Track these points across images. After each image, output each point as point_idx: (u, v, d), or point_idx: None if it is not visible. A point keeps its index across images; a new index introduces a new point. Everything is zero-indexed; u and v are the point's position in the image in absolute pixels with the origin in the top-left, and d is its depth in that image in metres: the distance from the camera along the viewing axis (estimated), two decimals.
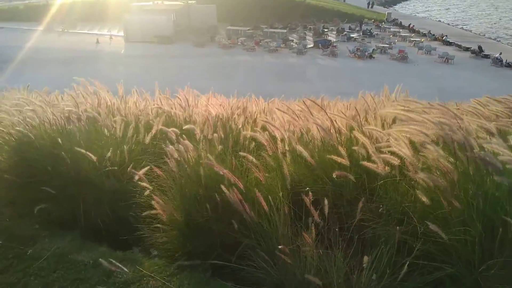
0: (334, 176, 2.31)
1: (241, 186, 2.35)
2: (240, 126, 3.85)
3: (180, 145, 2.77)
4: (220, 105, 4.75)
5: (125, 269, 2.49)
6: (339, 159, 2.48)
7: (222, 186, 2.35)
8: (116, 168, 3.32)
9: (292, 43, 34.71)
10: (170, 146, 2.77)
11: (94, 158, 3.10)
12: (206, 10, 43.47)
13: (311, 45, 34.79)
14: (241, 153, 2.69)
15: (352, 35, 38.34)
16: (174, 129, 3.10)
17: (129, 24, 36.81)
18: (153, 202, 2.66)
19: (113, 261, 2.41)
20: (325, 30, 40.74)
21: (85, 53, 31.73)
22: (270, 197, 2.42)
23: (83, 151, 3.06)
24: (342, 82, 23.19)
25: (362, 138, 2.46)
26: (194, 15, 42.71)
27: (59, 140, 3.45)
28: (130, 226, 3.10)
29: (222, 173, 2.30)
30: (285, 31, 39.72)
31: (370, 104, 3.67)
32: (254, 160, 2.66)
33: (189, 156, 2.79)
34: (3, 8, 53.22)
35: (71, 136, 3.61)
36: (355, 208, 2.32)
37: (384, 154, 2.27)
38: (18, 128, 3.70)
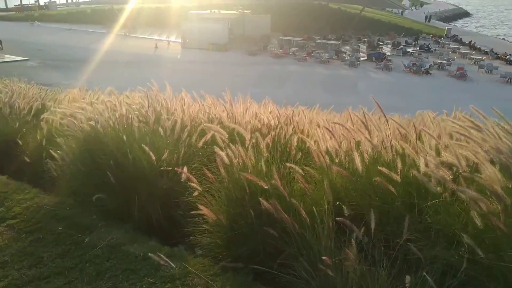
0: (374, 180, 2.29)
1: (286, 196, 2.40)
2: (288, 135, 3.89)
3: (228, 151, 2.87)
4: (270, 113, 4.83)
5: (172, 264, 2.62)
6: (389, 173, 2.46)
7: (261, 199, 2.43)
8: (170, 168, 3.49)
9: (344, 55, 34.31)
10: (220, 151, 2.87)
11: (153, 157, 3.29)
12: (261, 20, 44.20)
13: (364, 58, 34.19)
14: (288, 164, 2.74)
15: (408, 50, 37.22)
16: (223, 134, 3.21)
17: (186, 31, 38.26)
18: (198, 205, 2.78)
19: (162, 256, 2.55)
20: (380, 43, 39.87)
21: (144, 57, 33.35)
22: (314, 208, 2.45)
23: (147, 149, 3.26)
24: (395, 97, 22.51)
25: (412, 153, 2.43)
26: (249, 24, 43.54)
27: (124, 137, 3.69)
28: (178, 223, 3.25)
29: (261, 185, 2.36)
30: (338, 42, 39.36)
31: (426, 121, 3.59)
32: (300, 170, 2.71)
33: (236, 161, 2.88)
34: (72, 11, 57.47)
35: (133, 135, 3.85)
36: (402, 227, 2.29)
37: (437, 170, 2.22)
38: (90, 122, 3.98)
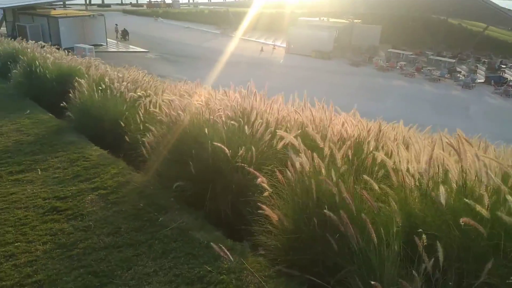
0: (461, 222, 2.06)
1: (353, 209, 2.28)
2: (369, 150, 3.71)
3: (303, 156, 2.84)
4: (357, 125, 4.66)
5: (231, 258, 2.68)
6: (478, 207, 2.20)
7: (325, 211, 2.34)
8: (245, 165, 3.57)
9: (459, 75, 31.47)
10: (293, 155, 2.86)
11: (228, 151, 3.41)
12: (370, 30, 42.80)
13: (482, 80, 30.95)
14: (365, 176, 2.61)
15: None
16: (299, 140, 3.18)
17: (292, 36, 38.80)
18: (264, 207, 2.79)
19: (223, 247, 2.62)
20: (503, 66, 35.70)
21: (249, 58, 34.68)
22: (382, 229, 2.30)
23: (219, 145, 3.39)
24: (511, 128, 20.00)
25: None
26: (357, 34, 42.50)
27: (206, 130, 3.89)
28: (245, 220, 3.31)
29: (335, 192, 2.27)
30: (453, 61, 36.24)
31: None
32: (376, 187, 2.56)
33: (308, 168, 2.83)
34: (191, 11, 62.27)
35: (215, 129, 4.04)
36: (482, 268, 2.03)
37: None
38: (179, 111, 4.29)
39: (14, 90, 8.39)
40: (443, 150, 3.04)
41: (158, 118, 4.73)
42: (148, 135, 4.40)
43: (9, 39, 15.13)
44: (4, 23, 35.46)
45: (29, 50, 9.47)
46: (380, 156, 2.92)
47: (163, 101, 4.84)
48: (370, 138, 4.24)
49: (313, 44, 36.90)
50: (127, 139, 4.98)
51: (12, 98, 7.82)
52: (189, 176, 3.66)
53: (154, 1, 75.66)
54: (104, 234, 3.07)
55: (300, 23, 42.59)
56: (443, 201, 2.25)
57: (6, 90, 8.55)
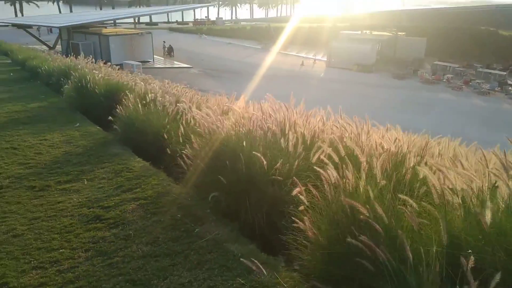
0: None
1: (379, 230, 2.22)
2: (412, 165, 3.58)
3: (336, 171, 2.80)
4: (399, 139, 4.53)
5: (264, 272, 2.66)
6: None
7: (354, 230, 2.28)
8: (281, 178, 3.57)
9: (510, 88, 29.77)
10: (329, 170, 2.82)
11: (265, 162, 3.43)
12: (415, 43, 41.69)
13: None
14: (400, 196, 2.53)
15: None
16: (336, 154, 3.14)
17: (334, 50, 38.60)
18: (298, 220, 2.76)
19: (256, 261, 2.62)
20: None
21: (289, 72, 34.85)
22: (422, 249, 2.21)
23: (258, 154, 3.42)
24: None
25: None
26: (401, 47, 41.52)
27: (244, 143, 3.94)
28: (280, 232, 3.29)
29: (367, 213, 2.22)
30: (504, 73, 34.37)
31: None
32: (414, 205, 2.47)
33: (343, 183, 2.78)
34: (233, 27, 63.79)
35: (253, 141, 4.08)
36: None
37: None
38: (217, 124, 4.39)
39: (65, 104, 8.95)
40: (492, 167, 2.89)
41: (197, 131, 4.86)
42: (187, 147, 4.53)
43: (63, 56, 16.23)
44: (59, 41, 38.10)
45: (80, 66, 10.09)
46: (422, 171, 2.81)
47: (202, 115, 4.96)
48: (412, 153, 4.11)
49: (354, 57, 36.47)
50: (168, 151, 5.13)
51: (63, 112, 8.34)
52: (225, 187, 3.71)
53: (200, 19, 78.67)
54: (143, 243, 3.17)
55: (342, 37, 42.30)
56: (488, 220, 2.13)
57: (58, 104, 9.14)
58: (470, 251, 2.01)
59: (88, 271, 2.85)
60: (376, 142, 4.18)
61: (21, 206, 3.95)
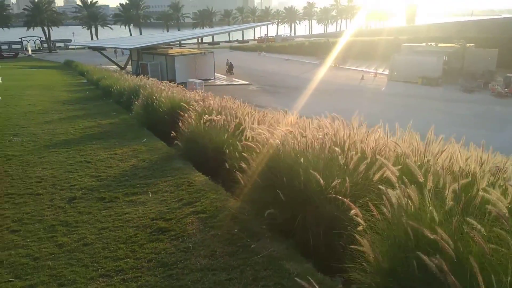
0: None
1: (451, 253, 2.07)
2: (483, 186, 3.33)
3: (398, 191, 2.69)
4: (469, 158, 4.25)
5: None
6: None
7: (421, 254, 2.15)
8: (339, 196, 3.50)
9: None
10: (390, 190, 2.72)
11: (322, 182, 3.39)
12: (485, 54, 39.04)
13: None
14: (468, 219, 2.36)
15: None
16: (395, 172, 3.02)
17: (396, 63, 37.34)
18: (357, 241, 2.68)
19: (312, 281, 2.58)
20: None
21: (348, 87, 34.25)
22: (493, 277, 2.04)
23: (315, 173, 3.39)
24: None
25: None
26: (469, 58, 39.08)
27: (301, 159, 3.93)
28: (336, 253, 3.21)
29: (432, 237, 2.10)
30: None
31: None
32: (482, 230, 2.30)
33: (405, 204, 2.66)
34: (292, 43, 64.30)
35: (310, 158, 4.06)
36: None
37: None
38: (277, 141, 4.44)
39: (134, 120, 9.57)
40: None
41: (255, 146, 4.94)
42: (244, 163, 4.61)
43: (133, 75, 17.41)
44: (130, 61, 40.97)
45: (148, 85, 10.77)
46: (491, 192, 2.61)
47: (259, 131, 5.04)
48: (484, 173, 3.83)
49: (419, 70, 34.95)
50: (227, 166, 5.26)
51: (132, 128, 8.92)
52: (280, 204, 3.71)
53: (263, 37, 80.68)
54: (201, 256, 3.26)
55: (405, 49, 40.84)
56: None
57: (128, 121, 9.80)
58: None
59: (150, 281, 2.98)
60: (445, 160, 3.97)
61: (91, 216, 4.26)
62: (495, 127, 21.43)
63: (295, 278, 2.74)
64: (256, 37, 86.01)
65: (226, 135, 6.00)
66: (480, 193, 2.75)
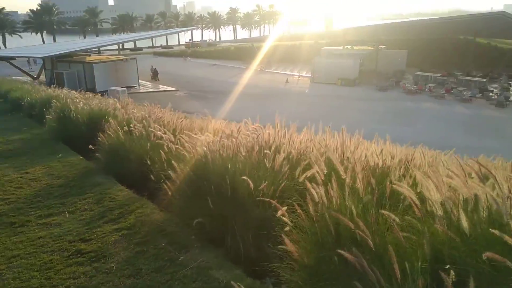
0: (484, 257, 1.91)
1: (371, 245, 2.17)
2: (395, 178, 3.57)
3: (321, 189, 2.77)
4: (383, 152, 4.54)
5: None
6: (506, 237, 2.05)
7: (340, 251, 2.25)
8: (266, 199, 3.52)
9: (491, 94, 30.44)
10: (311, 189, 2.80)
11: (252, 185, 3.38)
12: (396, 55, 42.61)
13: None
14: (383, 211, 2.50)
15: None
16: (321, 170, 3.12)
17: (317, 66, 39.18)
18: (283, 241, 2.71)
19: (242, 287, 2.55)
20: None
21: (274, 89, 35.18)
22: (407, 264, 2.18)
23: (244, 177, 3.38)
24: None
25: None
26: (382, 59, 42.35)
27: (229, 165, 3.88)
28: (266, 255, 3.23)
29: (352, 228, 2.18)
30: (484, 80, 35.22)
31: None
32: (397, 219, 2.45)
33: (327, 200, 2.75)
34: (218, 48, 64.45)
35: (237, 164, 4.04)
36: None
37: None
38: (203, 147, 4.35)
39: (48, 135, 8.82)
40: (470, 176, 2.89)
41: (181, 154, 4.81)
42: (170, 172, 4.47)
43: (47, 86, 16.12)
44: (43, 71, 37.98)
45: (62, 96, 10.02)
46: (402, 186, 2.79)
47: (185, 139, 4.92)
48: (395, 166, 4.12)
49: (338, 72, 37.05)
50: (152, 177, 5.06)
51: (46, 143, 8.21)
52: (210, 212, 3.64)
53: (194, 42, 79.62)
54: (125, 276, 3.07)
55: (324, 53, 43.02)
56: (467, 231, 2.12)
57: (41, 136, 9.00)
58: (448, 266, 1.97)
59: None
60: (361, 156, 4.19)
61: None
62: (406, 122, 23.40)
63: (230, 283, 2.69)
64: (184, 42, 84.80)
65: (149, 145, 5.78)
66: (393, 185, 2.91)
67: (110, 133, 6.29)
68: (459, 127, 23.18)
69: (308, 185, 3.06)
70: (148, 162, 5.31)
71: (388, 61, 41.81)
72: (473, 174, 3.25)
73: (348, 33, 47.48)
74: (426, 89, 32.71)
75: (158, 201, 4.54)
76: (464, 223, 2.19)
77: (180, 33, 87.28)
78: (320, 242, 2.71)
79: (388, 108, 27.77)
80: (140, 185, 5.09)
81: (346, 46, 46.15)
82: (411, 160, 4.59)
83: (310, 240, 2.81)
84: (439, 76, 37.04)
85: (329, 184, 2.99)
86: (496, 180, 2.51)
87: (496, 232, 2.06)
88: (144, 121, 6.43)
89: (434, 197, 2.65)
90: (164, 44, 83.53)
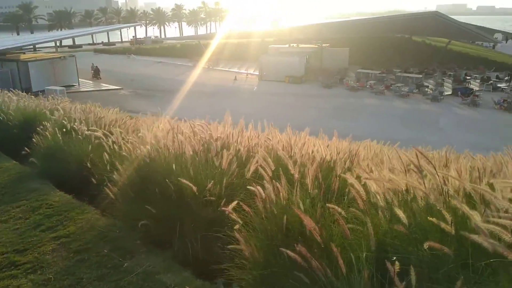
0: (425, 246, 2.00)
1: (319, 240, 2.20)
2: (340, 172, 3.66)
3: (268, 185, 2.76)
4: (327, 146, 4.65)
5: None
6: (442, 224, 2.15)
7: (282, 249, 2.25)
8: (214, 198, 3.46)
9: (426, 89, 32.53)
10: (258, 186, 2.78)
11: (194, 188, 3.29)
12: (339, 53, 44.15)
13: (449, 93, 32.07)
14: (329, 205, 2.55)
15: (499, 85, 34.13)
16: (269, 166, 3.12)
17: (264, 64, 39.55)
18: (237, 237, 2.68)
19: None
20: (467, 77, 37.20)
21: (223, 87, 35.03)
22: (352, 255, 2.23)
23: (185, 181, 3.28)
24: (483, 136, 20.59)
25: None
26: (327, 57, 43.69)
27: (174, 166, 3.76)
28: (216, 256, 3.17)
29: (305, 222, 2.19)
30: (420, 76, 37.56)
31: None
32: (343, 212, 2.50)
33: (275, 197, 2.75)
34: (163, 46, 62.96)
35: (183, 164, 3.93)
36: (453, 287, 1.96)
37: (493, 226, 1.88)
38: (147, 146, 4.18)
39: None
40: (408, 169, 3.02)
41: (124, 156, 4.60)
42: (113, 175, 4.25)
43: None
44: None
45: None
46: (350, 178, 2.85)
47: (128, 139, 4.72)
48: (341, 160, 4.23)
49: (285, 70, 37.66)
50: (94, 180, 4.80)
51: None
52: (156, 214, 3.51)
53: (138, 38, 76.74)
54: (64, 286, 2.87)
55: (271, 51, 43.52)
56: (405, 221, 2.21)
57: None
58: (395, 258, 2.04)
59: None
60: (308, 152, 4.25)
61: None
62: (349, 117, 24.33)
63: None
64: (128, 39, 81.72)
65: (90, 146, 5.48)
66: (341, 176, 2.97)
67: (47, 134, 5.88)
68: (399, 121, 24.51)
69: (253, 184, 3.06)
70: (89, 165, 5.04)
71: (332, 59, 43.24)
72: (412, 166, 3.39)
73: (294, 31, 48.44)
74: (368, 86, 34.21)
75: (100, 206, 4.31)
76: (401, 213, 2.27)
77: (122, 30, 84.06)
78: (270, 238, 2.70)
79: (334, 104, 28.71)
80: (80, 190, 4.81)
81: (292, 44, 47.05)
82: (355, 155, 4.74)
83: (260, 237, 2.79)
84: (379, 73, 38.90)
85: (277, 180, 3.00)
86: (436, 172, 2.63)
87: (434, 220, 2.16)
88: (84, 121, 6.08)
89: (376, 189, 2.74)
90: (106, 41, 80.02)
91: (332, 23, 52.04)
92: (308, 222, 2.34)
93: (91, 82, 37.56)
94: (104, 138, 4.86)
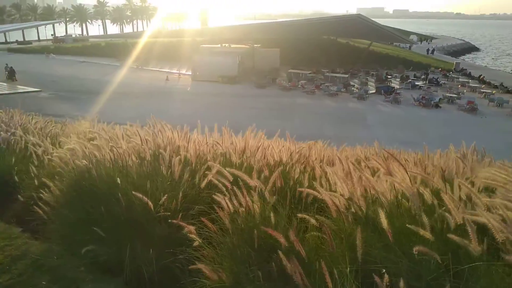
0: (414, 251, 1.93)
1: (303, 254, 2.03)
2: (297, 176, 3.54)
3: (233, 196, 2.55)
4: (280, 150, 4.53)
5: None
6: (421, 231, 2.10)
7: (280, 253, 2.06)
8: (169, 213, 3.15)
9: (353, 88, 34.33)
10: (222, 197, 2.55)
11: (150, 204, 2.96)
12: (270, 53, 44.90)
13: (373, 91, 34.14)
14: (300, 215, 2.40)
15: (417, 83, 37.15)
16: (227, 175, 2.90)
17: (197, 64, 38.89)
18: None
19: None
20: (389, 76, 39.97)
21: (154, 88, 33.74)
22: (335, 270, 2.09)
23: (139, 195, 2.93)
24: (405, 131, 22.18)
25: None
26: (258, 58, 44.19)
27: (118, 180, 3.35)
28: (175, 278, 2.87)
29: (282, 241, 2.00)
30: (347, 76, 39.57)
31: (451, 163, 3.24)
32: (313, 221, 2.37)
33: (242, 210, 2.54)
34: (86, 44, 59.23)
35: (129, 177, 3.54)
36: None
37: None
38: (83, 161, 3.71)
39: None
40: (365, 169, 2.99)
41: (57, 170, 4.07)
42: (45, 191, 3.73)
43: None
44: None
45: None
46: (322, 191, 2.72)
47: (59, 150, 4.18)
48: (295, 163, 4.12)
49: (218, 69, 37.34)
50: (21, 198, 4.19)
51: None
52: (100, 237, 3.10)
53: (60, 37, 71.15)
54: None
55: (203, 50, 42.93)
56: (385, 226, 2.13)
57: None
58: (384, 270, 1.94)
59: None
60: (260, 156, 4.08)
61: None
62: (284, 117, 24.78)
63: None
64: (45, 37, 75.46)
65: (14, 159, 4.81)
66: (311, 190, 2.82)
67: None
68: (330, 119, 25.51)
69: (218, 195, 2.82)
70: (16, 178, 4.42)
71: (264, 59, 43.86)
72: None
73: (224, 31, 48.32)
74: (299, 86, 35.19)
75: (33, 228, 3.76)
76: (383, 221, 2.19)
77: (40, 28, 77.53)
78: (239, 256, 2.48)
79: (269, 105, 29.05)
80: (4, 210, 4.17)
81: (223, 44, 46.85)
82: (308, 156, 4.68)
83: (226, 255, 2.55)
84: (309, 73, 40.22)
85: (238, 191, 2.78)
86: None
87: (413, 227, 2.11)
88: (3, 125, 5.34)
89: (343, 192, 2.66)
90: (21, 39, 73.25)
91: (262, 24, 52.85)
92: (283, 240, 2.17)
93: (5, 84, 34.01)
94: (36, 147, 4.27)
